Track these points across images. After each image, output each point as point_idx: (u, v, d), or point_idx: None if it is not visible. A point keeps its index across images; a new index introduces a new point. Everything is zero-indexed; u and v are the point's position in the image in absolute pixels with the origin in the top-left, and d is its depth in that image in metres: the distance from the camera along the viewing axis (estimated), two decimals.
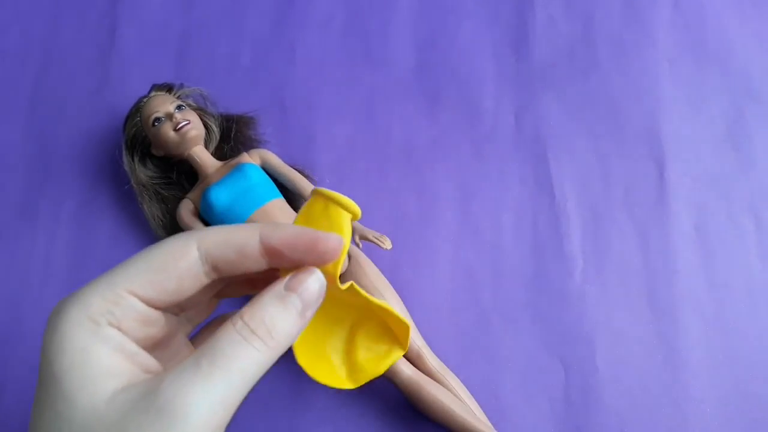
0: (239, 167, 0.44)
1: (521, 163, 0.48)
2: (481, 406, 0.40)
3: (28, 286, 0.45)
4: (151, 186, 0.46)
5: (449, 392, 0.39)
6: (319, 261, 0.20)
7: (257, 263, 0.20)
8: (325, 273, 0.21)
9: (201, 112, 0.47)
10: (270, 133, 0.49)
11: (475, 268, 0.45)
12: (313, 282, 0.20)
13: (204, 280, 0.20)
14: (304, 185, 0.45)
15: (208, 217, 0.44)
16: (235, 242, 0.19)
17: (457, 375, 0.41)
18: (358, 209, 0.21)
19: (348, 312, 0.23)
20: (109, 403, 0.16)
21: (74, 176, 0.48)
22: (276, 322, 0.19)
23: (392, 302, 0.41)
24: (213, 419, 0.16)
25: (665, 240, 0.46)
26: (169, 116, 0.44)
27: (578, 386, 0.42)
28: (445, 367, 0.41)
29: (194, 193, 0.45)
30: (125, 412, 0.16)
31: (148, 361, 0.19)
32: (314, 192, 0.22)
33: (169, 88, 0.47)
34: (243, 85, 0.51)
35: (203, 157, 0.45)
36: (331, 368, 0.23)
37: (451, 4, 0.54)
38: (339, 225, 0.21)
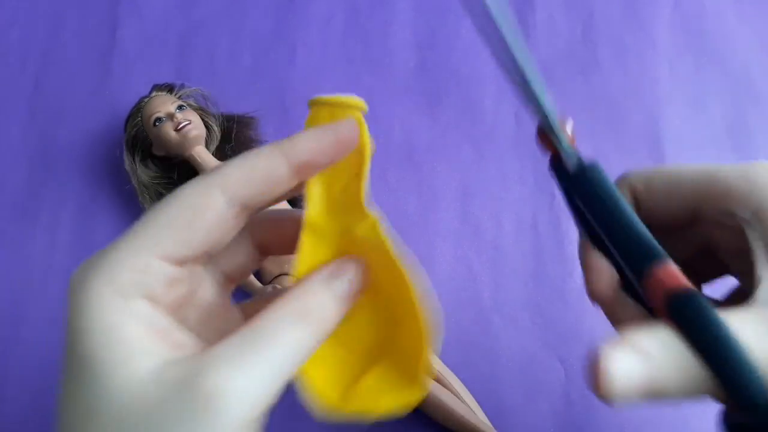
0: None
1: (521, 163, 0.48)
2: (481, 406, 0.40)
3: (28, 287, 0.45)
4: (153, 186, 0.46)
5: (449, 392, 0.39)
6: (347, 152, 0.19)
7: (290, 185, 0.19)
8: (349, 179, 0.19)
9: (202, 112, 0.47)
10: (271, 133, 0.49)
11: (475, 268, 0.45)
12: (357, 268, 0.19)
13: (234, 223, 0.18)
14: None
15: None
16: (261, 174, 0.18)
17: (457, 375, 0.41)
18: (363, 102, 0.20)
19: (370, 325, 0.20)
20: (146, 384, 0.15)
21: (75, 177, 0.48)
22: (324, 306, 0.18)
23: None
24: (258, 409, 0.16)
25: None
26: (170, 116, 0.44)
27: (578, 386, 0.42)
28: (445, 367, 0.41)
29: None
30: (165, 396, 0.15)
31: (181, 336, 0.17)
32: (312, 104, 0.20)
33: (170, 88, 0.47)
34: (243, 85, 0.51)
35: (204, 157, 0.45)
36: (328, 376, 0.19)
37: (451, 4, 0.54)
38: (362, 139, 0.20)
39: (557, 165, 0.20)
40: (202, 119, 0.46)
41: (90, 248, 0.46)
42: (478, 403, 0.40)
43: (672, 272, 0.16)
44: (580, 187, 0.19)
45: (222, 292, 0.21)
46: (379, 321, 0.20)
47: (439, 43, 0.52)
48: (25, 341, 0.43)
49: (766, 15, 0.53)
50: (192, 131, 0.44)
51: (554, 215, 0.46)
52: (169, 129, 0.44)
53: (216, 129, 0.47)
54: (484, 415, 0.40)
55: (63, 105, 0.51)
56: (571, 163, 0.19)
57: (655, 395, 0.17)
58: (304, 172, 0.19)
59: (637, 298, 0.20)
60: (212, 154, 0.46)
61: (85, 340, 0.16)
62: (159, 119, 0.44)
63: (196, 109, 0.47)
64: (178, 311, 0.19)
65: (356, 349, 0.20)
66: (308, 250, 0.20)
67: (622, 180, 0.23)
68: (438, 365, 0.40)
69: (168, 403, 0.15)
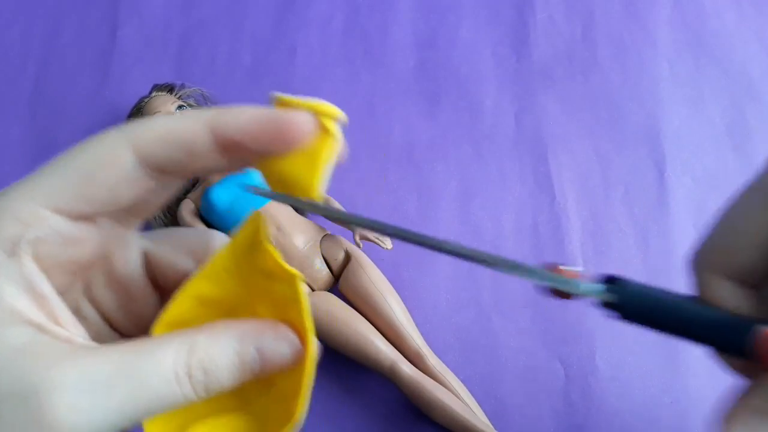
0: None
1: (521, 163, 0.48)
2: (481, 406, 0.40)
3: None
4: None
5: (449, 392, 0.39)
6: (288, 147, 0.16)
7: (213, 161, 0.16)
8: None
9: None
10: None
11: (475, 268, 0.45)
12: (283, 347, 0.16)
13: (149, 183, 0.16)
14: None
15: (209, 217, 0.44)
16: (177, 139, 0.15)
17: (457, 375, 0.41)
18: (336, 110, 0.17)
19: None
20: (9, 364, 0.13)
21: None
22: (219, 375, 0.15)
23: (393, 303, 0.41)
24: None
25: (665, 240, 0.46)
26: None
27: (578, 386, 0.42)
28: (445, 367, 0.41)
29: (195, 193, 0.45)
30: (7, 391, 0.13)
31: (59, 309, 0.15)
32: (274, 101, 0.17)
33: (170, 89, 0.47)
34: (243, 85, 0.51)
35: None
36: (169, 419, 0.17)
37: (451, 4, 0.54)
38: (323, 143, 0.16)
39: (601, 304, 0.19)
40: None
41: None
42: (478, 403, 0.40)
43: None
44: (627, 311, 0.18)
45: (143, 267, 0.19)
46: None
47: (439, 43, 0.52)
48: None
49: (766, 15, 0.53)
50: None
51: (554, 215, 0.46)
52: None
53: None
54: (484, 415, 0.40)
55: (63, 105, 0.51)
56: (600, 298, 0.18)
57: None
58: (231, 149, 0.16)
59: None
60: None
61: None
62: None
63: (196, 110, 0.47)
64: (77, 275, 0.17)
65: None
66: (211, 273, 0.17)
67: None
68: (438, 365, 0.40)
69: (5, 403, 0.13)
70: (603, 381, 0.42)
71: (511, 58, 0.52)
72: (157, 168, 0.16)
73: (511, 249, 0.45)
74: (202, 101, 0.49)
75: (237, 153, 0.16)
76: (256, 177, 0.43)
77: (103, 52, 0.53)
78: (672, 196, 0.47)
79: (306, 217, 0.45)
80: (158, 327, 0.17)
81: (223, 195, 0.43)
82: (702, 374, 0.42)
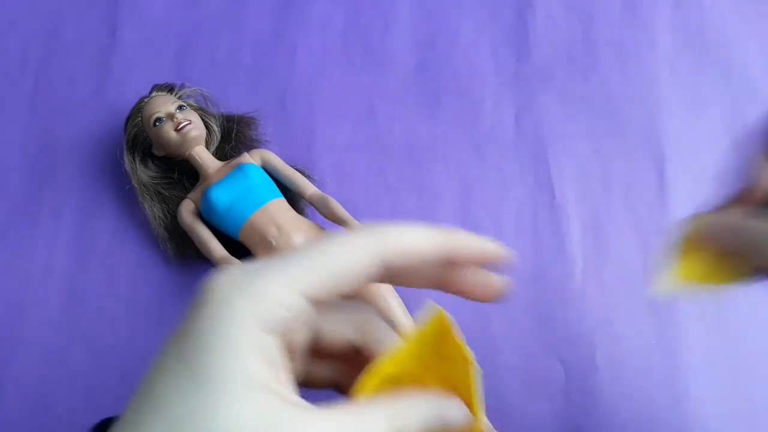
0: (240, 167, 0.44)
1: (521, 163, 0.48)
2: None
3: (28, 286, 0.45)
4: (152, 186, 0.46)
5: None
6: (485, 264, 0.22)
7: (434, 274, 0.21)
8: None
9: (202, 112, 0.47)
10: (271, 134, 0.49)
11: None
12: (461, 416, 0.20)
13: (369, 279, 0.19)
14: (305, 185, 0.45)
15: (209, 217, 0.44)
16: (417, 254, 0.19)
17: None
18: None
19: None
20: (260, 422, 0.15)
21: (75, 176, 0.48)
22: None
23: (393, 303, 0.41)
24: None
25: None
26: (171, 116, 0.44)
27: (578, 386, 0.42)
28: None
29: (195, 193, 0.45)
30: None
31: (286, 380, 0.18)
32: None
33: (170, 89, 0.47)
34: (244, 85, 0.51)
35: (204, 157, 0.45)
36: None
37: (451, 4, 0.54)
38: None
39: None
40: (203, 119, 0.46)
41: (90, 248, 0.46)
42: None
43: None
44: None
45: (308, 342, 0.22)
46: None
47: (439, 43, 0.52)
48: (25, 341, 0.43)
49: (766, 15, 0.53)
50: (192, 131, 0.44)
51: (554, 215, 0.46)
52: (169, 129, 0.44)
53: (216, 129, 0.47)
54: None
55: (63, 105, 0.51)
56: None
57: None
58: (450, 265, 0.21)
59: None
60: (212, 154, 0.46)
61: (208, 351, 0.16)
62: (159, 119, 0.44)
63: (196, 109, 0.47)
64: (287, 350, 0.19)
65: None
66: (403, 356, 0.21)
67: None
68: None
69: None
70: (603, 381, 0.42)
71: (511, 58, 0.52)
72: (390, 269, 0.19)
73: (511, 249, 0.45)
74: (202, 101, 0.49)
75: (450, 268, 0.21)
76: (254, 175, 0.43)
77: (103, 52, 0.53)
78: (672, 196, 0.47)
79: (306, 217, 0.45)
80: (360, 393, 0.20)
81: (222, 195, 0.43)
82: (702, 374, 0.42)
